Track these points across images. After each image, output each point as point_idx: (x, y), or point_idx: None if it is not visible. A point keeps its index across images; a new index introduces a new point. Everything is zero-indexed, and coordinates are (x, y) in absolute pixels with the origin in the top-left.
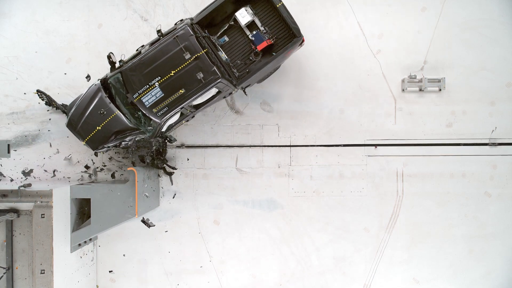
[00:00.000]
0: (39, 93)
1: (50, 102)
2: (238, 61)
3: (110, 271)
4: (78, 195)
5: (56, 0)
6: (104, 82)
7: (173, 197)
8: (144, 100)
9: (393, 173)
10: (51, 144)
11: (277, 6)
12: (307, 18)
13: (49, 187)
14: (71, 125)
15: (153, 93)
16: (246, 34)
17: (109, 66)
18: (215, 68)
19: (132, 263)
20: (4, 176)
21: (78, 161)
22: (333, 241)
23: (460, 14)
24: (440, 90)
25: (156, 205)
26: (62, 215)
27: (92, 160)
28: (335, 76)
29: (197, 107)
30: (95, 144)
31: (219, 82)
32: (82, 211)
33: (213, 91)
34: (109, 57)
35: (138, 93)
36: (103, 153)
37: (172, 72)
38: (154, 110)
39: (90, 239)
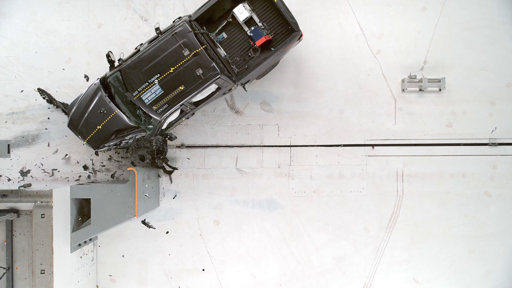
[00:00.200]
0: (40, 91)
1: (51, 100)
2: (237, 58)
3: (109, 275)
4: (78, 195)
5: (56, 0)
6: (104, 81)
7: (173, 198)
8: (143, 98)
9: (393, 173)
10: (50, 143)
11: (275, 1)
12: (307, 18)
13: (49, 187)
14: (72, 125)
15: (152, 91)
16: (244, 30)
17: (108, 66)
18: (214, 64)
19: (132, 263)
20: (0, 175)
21: (78, 162)
22: (333, 241)
23: (460, 14)
24: (440, 90)
25: (156, 205)
26: (62, 215)
27: (91, 160)
28: (335, 76)
29: (197, 104)
30: (96, 143)
31: (218, 78)
32: (82, 211)
33: (213, 87)
34: (108, 56)
35: (138, 90)
36: (104, 152)
37: (172, 69)
38: (154, 107)
39: (90, 239)
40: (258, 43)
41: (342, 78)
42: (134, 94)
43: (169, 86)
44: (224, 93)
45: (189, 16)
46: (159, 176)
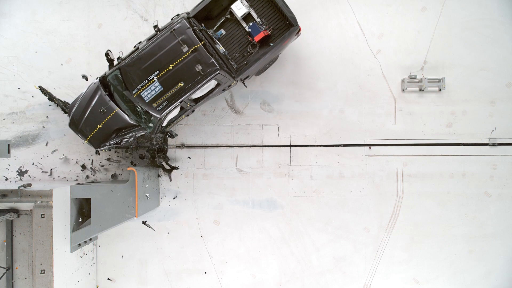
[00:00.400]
0: (41, 89)
1: (52, 98)
2: (236, 54)
3: (108, 279)
4: (78, 195)
5: (56, 0)
6: (103, 80)
7: (174, 198)
8: (143, 95)
9: (393, 173)
10: (49, 143)
11: None
12: (307, 18)
13: (49, 187)
14: (73, 125)
15: (152, 88)
16: (242, 26)
17: (108, 65)
18: (213, 60)
19: (132, 263)
20: None
21: (77, 162)
22: (333, 241)
23: (460, 14)
24: (440, 90)
25: (156, 205)
26: (62, 215)
27: (90, 160)
28: (335, 76)
29: (197, 100)
30: (97, 142)
31: (217, 73)
32: (82, 211)
33: (212, 83)
34: (107, 54)
35: (138, 88)
36: (105, 151)
37: (171, 65)
38: (154, 104)
39: (90, 239)
40: (257, 38)
41: (342, 78)
42: (133, 92)
43: (168, 83)
44: (224, 89)
45: (187, 13)
46: (159, 176)
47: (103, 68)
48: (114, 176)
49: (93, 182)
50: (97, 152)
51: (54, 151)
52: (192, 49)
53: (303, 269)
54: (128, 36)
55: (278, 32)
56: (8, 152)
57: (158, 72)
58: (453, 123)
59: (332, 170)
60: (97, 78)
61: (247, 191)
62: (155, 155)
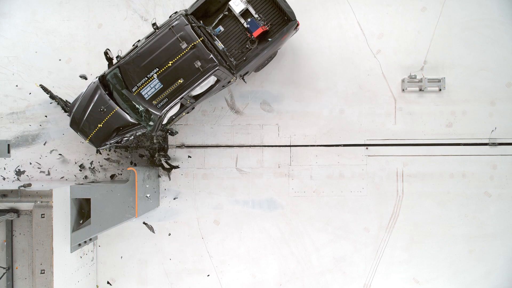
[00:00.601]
0: (42, 87)
1: (53, 97)
2: (235, 50)
3: (108, 283)
4: (78, 195)
5: (56, 0)
6: (103, 79)
7: (174, 199)
8: (143, 93)
9: (393, 173)
10: (48, 142)
11: None
12: (307, 18)
13: (49, 187)
14: (74, 124)
15: (152, 85)
16: (240, 22)
17: (107, 64)
18: (212, 56)
19: (132, 263)
20: None
21: (76, 162)
22: (333, 241)
23: (460, 14)
24: (440, 90)
25: (156, 205)
26: (62, 215)
27: (89, 160)
28: (335, 76)
29: (197, 97)
30: (97, 141)
31: (217, 69)
32: (82, 211)
33: (212, 80)
34: (106, 53)
35: (137, 86)
36: (106, 150)
37: (170, 62)
38: (153, 102)
39: (90, 239)
40: (255, 34)
41: (342, 78)
42: (133, 89)
43: (168, 79)
44: (223, 86)
45: (185, 11)
46: (159, 176)
47: (103, 68)
48: (113, 177)
49: (93, 182)
50: (98, 152)
51: (53, 150)
52: (191, 45)
53: (303, 269)
54: (128, 36)
55: (276, 27)
56: (8, 152)
57: (157, 69)
58: (453, 123)
59: (332, 170)
60: (96, 77)
61: (247, 191)
62: (154, 154)
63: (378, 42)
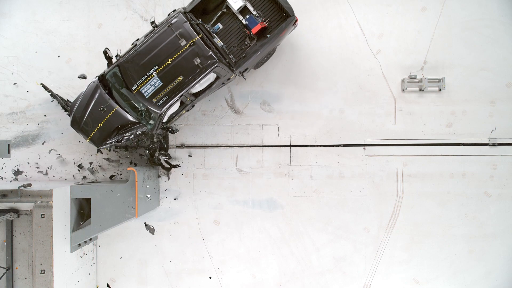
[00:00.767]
0: (43, 86)
1: (54, 96)
2: (234, 47)
3: (108, 285)
4: (78, 195)
5: (56, 0)
6: (103, 78)
7: (174, 199)
8: (143, 91)
9: (393, 173)
10: (47, 142)
11: None
12: (307, 18)
13: (49, 187)
14: (75, 124)
15: (151, 83)
16: (239, 19)
17: (106, 63)
18: (211, 52)
19: (132, 263)
20: None
21: (75, 162)
22: (333, 241)
23: (460, 14)
24: (440, 90)
25: (156, 205)
26: (62, 215)
27: (88, 160)
28: (335, 76)
29: (197, 95)
30: (98, 141)
31: (216, 66)
32: (82, 211)
33: (212, 77)
34: (105, 52)
35: (137, 84)
36: (106, 150)
37: (169, 60)
38: (154, 100)
39: (90, 239)
40: (254, 30)
41: (342, 78)
42: (133, 88)
43: (168, 77)
44: (223, 83)
45: (184, 8)
46: (159, 176)
47: (103, 67)
48: (112, 177)
49: (93, 182)
50: (99, 151)
51: (51, 150)
52: (190, 42)
53: (303, 269)
54: (128, 36)
55: (275, 24)
56: (8, 152)
57: (157, 67)
58: (453, 123)
59: (332, 170)
60: (96, 76)
61: (247, 191)
62: (154, 153)
63: (378, 42)
